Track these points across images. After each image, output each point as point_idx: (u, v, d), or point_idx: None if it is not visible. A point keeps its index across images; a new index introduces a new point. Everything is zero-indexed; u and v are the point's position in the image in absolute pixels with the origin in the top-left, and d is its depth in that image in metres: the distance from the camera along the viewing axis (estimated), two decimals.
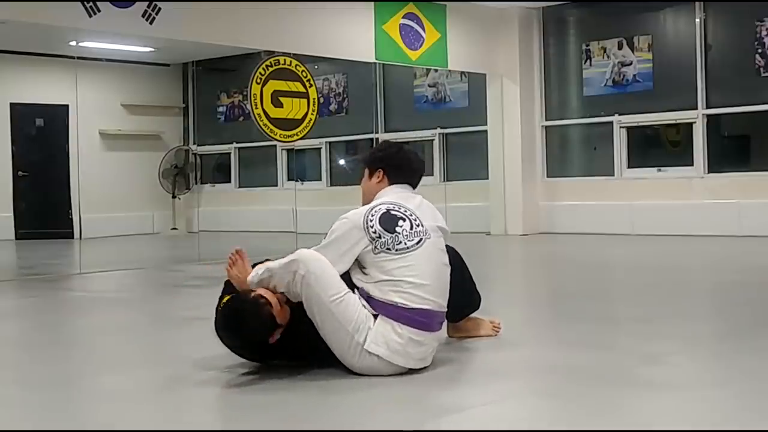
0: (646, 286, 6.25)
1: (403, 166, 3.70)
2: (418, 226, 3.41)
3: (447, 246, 3.68)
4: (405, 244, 3.33)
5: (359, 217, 3.40)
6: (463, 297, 3.83)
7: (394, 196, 3.55)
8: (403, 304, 3.23)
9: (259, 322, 3.19)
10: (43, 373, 3.69)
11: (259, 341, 3.25)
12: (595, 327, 4.44)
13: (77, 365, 3.93)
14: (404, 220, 3.40)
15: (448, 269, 3.50)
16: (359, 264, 3.34)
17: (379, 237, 3.32)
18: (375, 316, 3.24)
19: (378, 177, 3.66)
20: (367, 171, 3.72)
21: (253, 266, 3.48)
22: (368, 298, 3.26)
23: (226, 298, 3.42)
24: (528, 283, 7.15)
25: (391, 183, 3.64)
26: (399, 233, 3.34)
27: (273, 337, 3.25)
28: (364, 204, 3.59)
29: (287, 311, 3.28)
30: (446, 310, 3.45)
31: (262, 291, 3.28)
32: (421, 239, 3.38)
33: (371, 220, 3.36)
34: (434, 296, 3.33)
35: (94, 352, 4.28)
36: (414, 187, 3.69)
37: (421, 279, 3.29)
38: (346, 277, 3.33)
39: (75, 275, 8.20)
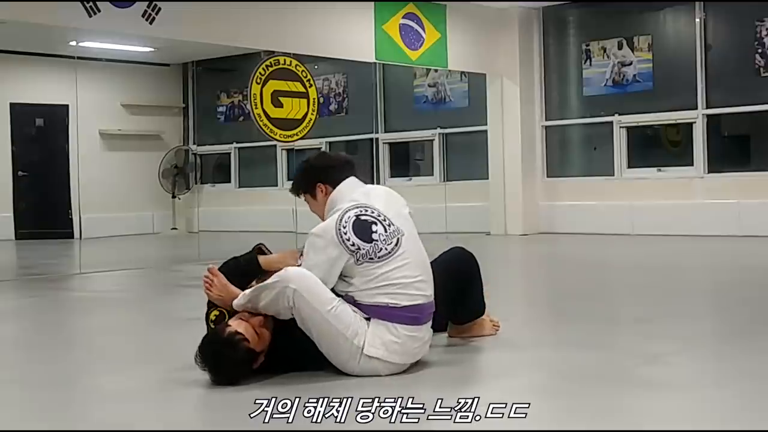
0: (647, 286, 6.25)
1: (334, 164, 3.57)
2: (389, 226, 3.32)
3: (466, 252, 3.67)
4: (386, 249, 3.27)
5: (331, 231, 3.28)
6: (475, 303, 3.88)
7: (351, 194, 3.43)
8: (394, 304, 3.22)
9: (237, 361, 3.17)
10: (43, 373, 3.69)
11: (241, 374, 3.22)
12: (595, 327, 4.44)
13: (77, 365, 3.93)
14: (376, 224, 3.31)
15: (425, 253, 3.43)
16: (342, 274, 3.27)
17: (358, 249, 3.25)
18: (367, 320, 3.23)
19: (322, 191, 3.51)
20: (308, 195, 3.56)
21: (224, 263, 3.50)
22: (355, 303, 3.24)
23: (210, 314, 3.44)
24: (528, 283, 7.15)
25: (334, 187, 3.49)
26: (377, 240, 3.27)
27: (255, 363, 3.23)
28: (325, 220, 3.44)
29: (266, 335, 3.25)
30: (434, 298, 3.40)
31: (235, 323, 3.22)
32: (397, 240, 3.31)
33: (345, 233, 3.26)
34: (422, 290, 3.31)
35: (94, 352, 4.28)
36: (356, 176, 3.55)
37: (410, 277, 3.27)
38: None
39: (75, 275, 8.20)
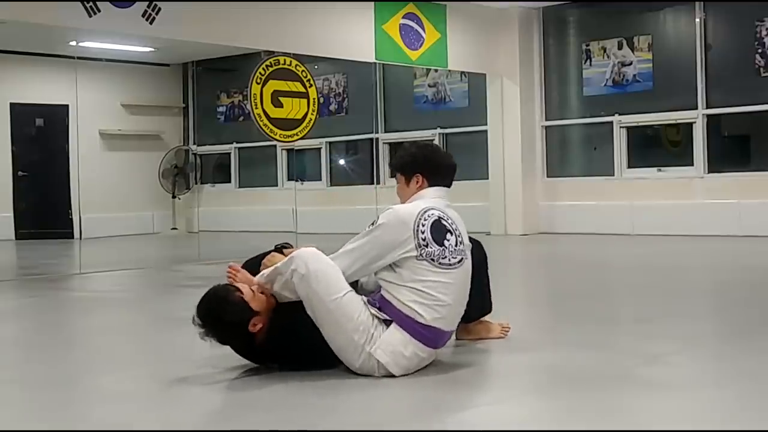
0: (647, 286, 6.25)
1: (441, 167, 3.57)
2: (461, 243, 3.36)
3: (474, 241, 3.65)
4: (449, 260, 3.28)
5: (410, 216, 3.30)
6: (481, 299, 3.85)
7: (437, 201, 3.44)
8: (421, 317, 3.21)
9: (230, 304, 3.23)
10: (43, 373, 3.69)
11: (236, 325, 3.25)
12: (595, 327, 4.44)
13: (77, 365, 3.93)
14: (451, 233, 3.33)
15: (468, 291, 3.46)
16: (394, 263, 3.26)
17: (427, 245, 3.25)
18: (387, 322, 3.22)
19: (417, 182, 3.51)
20: (402, 178, 3.56)
21: (247, 261, 3.53)
22: (384, 302, 3.23)
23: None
24: (528, 284, 7.15)
25: (430, 185, 3.52)
26: (446, 247, 3.28)
27: (254, 326, 3.26)
28: None
29: (263, 299, 3.29)
30: (454, 330, 3.46)
31: (236, 283, 3.34)
32: (462, 259, 3.34)
33: (423, 224, 3.28)
34: (452, 317, 3.34)
35: (94, 352, 4.28)
36: (449, 187, 3.58)
37: (451, 300, 3.28)
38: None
39: (75, 275, 8.20)
